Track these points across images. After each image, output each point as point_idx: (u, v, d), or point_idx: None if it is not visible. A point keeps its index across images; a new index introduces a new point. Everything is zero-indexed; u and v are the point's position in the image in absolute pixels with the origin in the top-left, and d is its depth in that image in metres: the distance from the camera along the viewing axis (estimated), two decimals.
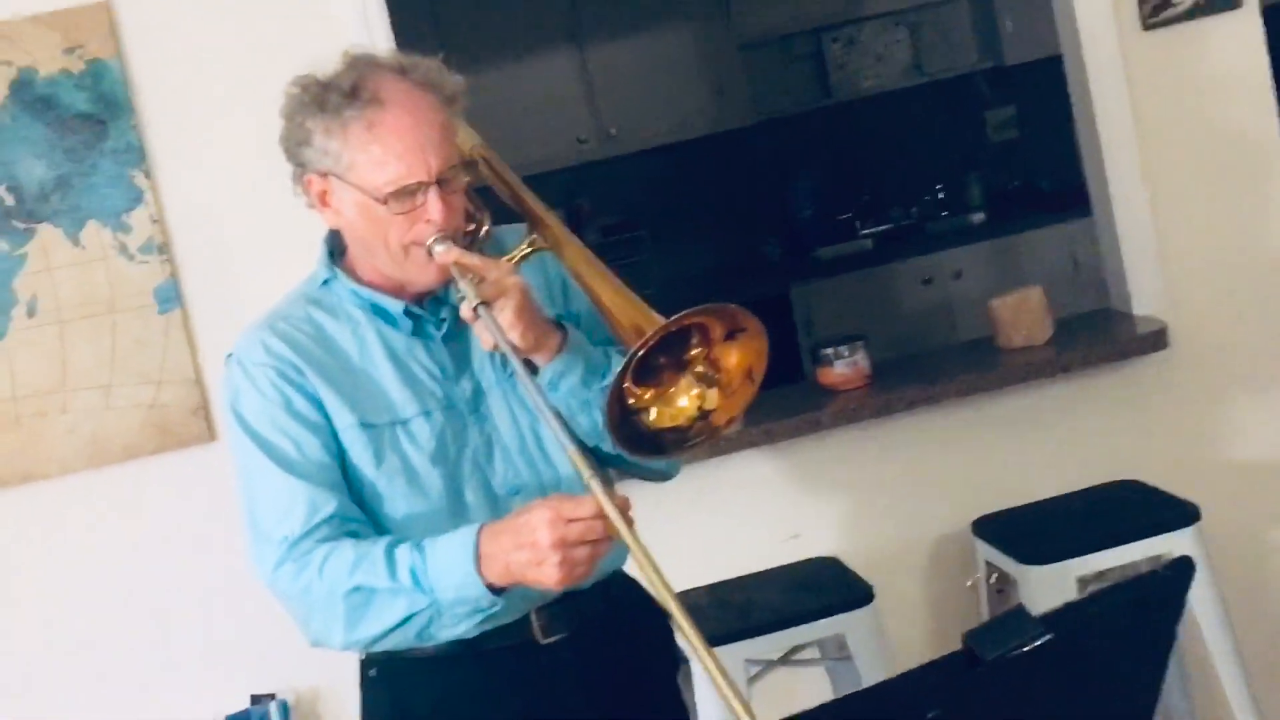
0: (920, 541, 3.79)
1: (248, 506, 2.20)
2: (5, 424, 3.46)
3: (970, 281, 6.36)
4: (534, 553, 1.96)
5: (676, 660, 2.46)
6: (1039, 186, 6.80)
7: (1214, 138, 3.85)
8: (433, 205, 2.13)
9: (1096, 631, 1.56)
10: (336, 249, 2.31)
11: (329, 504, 2.14)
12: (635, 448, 2.10)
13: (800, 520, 3.73)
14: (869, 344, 3.82)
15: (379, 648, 2.17)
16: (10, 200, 3.45)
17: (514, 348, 2.07)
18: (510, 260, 2.21)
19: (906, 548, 3.77)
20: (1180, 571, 1.59)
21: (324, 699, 3.57)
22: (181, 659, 3.55)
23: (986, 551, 3.57)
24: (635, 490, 2.64)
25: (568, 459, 1.93)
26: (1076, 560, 3.31)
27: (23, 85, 3.45)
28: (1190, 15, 3.78)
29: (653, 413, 2.10)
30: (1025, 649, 1.45)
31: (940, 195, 6.91)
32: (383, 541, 2.10)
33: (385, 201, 2.13)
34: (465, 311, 2.11)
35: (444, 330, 2.25)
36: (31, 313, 3.46)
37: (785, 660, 3.51)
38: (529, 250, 2.25)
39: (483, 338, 2.12)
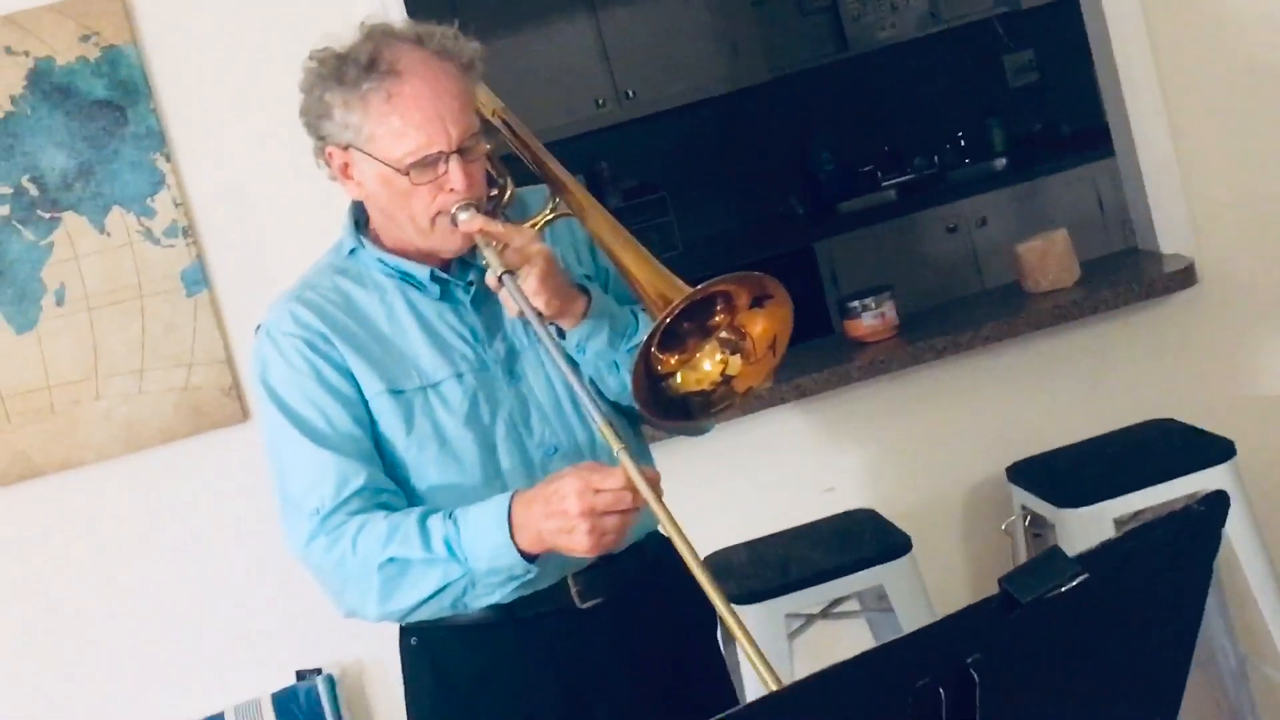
0: (955, 489, 3.79)
1: (278, 479, 2.21)
2: (40, 412, 3.48)
3: (995, 228, 6.35)
4: (563, 521, 1.98)
5: (715, 618, 2.47)
6: (1060, 129, 6.77)
7: (1235, 71, 3.82)
8: (455, 174, 2.13)
9: (1133, 569, 1.55)
10: (361, 218, 2.31)
11: (359, 476, 2.15)
12: (662, 413, 2.11)
13: (835, 474, 3.73)
14: (896, 295, 3.81)
15: (414, 618, 2.18)
16: (34, 190, 3.46)
17: (538, 314, 2.08)
18: (533, 226, 2.21)
19: (942, 496, 3.78)
20: (1215, 506, 1.58)
21: (369, 671, 3.60)
22: (225, 638, 3.57)
23: (1022, 496, 3.57)
24: (671, 447, 2.67)
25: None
26: (1112, 501, 3.31)
27: (41, 75, 3.46)
28: None
29: (678, 377, 2.11)
30: (1062, 589, 1.45)
31: (962, 143, 6.89)
32: (415, 512, 2.11)
33: (407, 172, 2.13)
34: (490, 280, 2.12)
35: (472, 293, 2.25)
36: (60, 301, 3.47)
37: (826, 614, 3.52)
38: (552, 216, 2.25)
39: (508, 305, 2.13)
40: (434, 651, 2.30)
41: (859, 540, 3.39)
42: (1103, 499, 3.31)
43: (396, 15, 3.43)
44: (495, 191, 2.27)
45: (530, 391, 2.25)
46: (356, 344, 2.21)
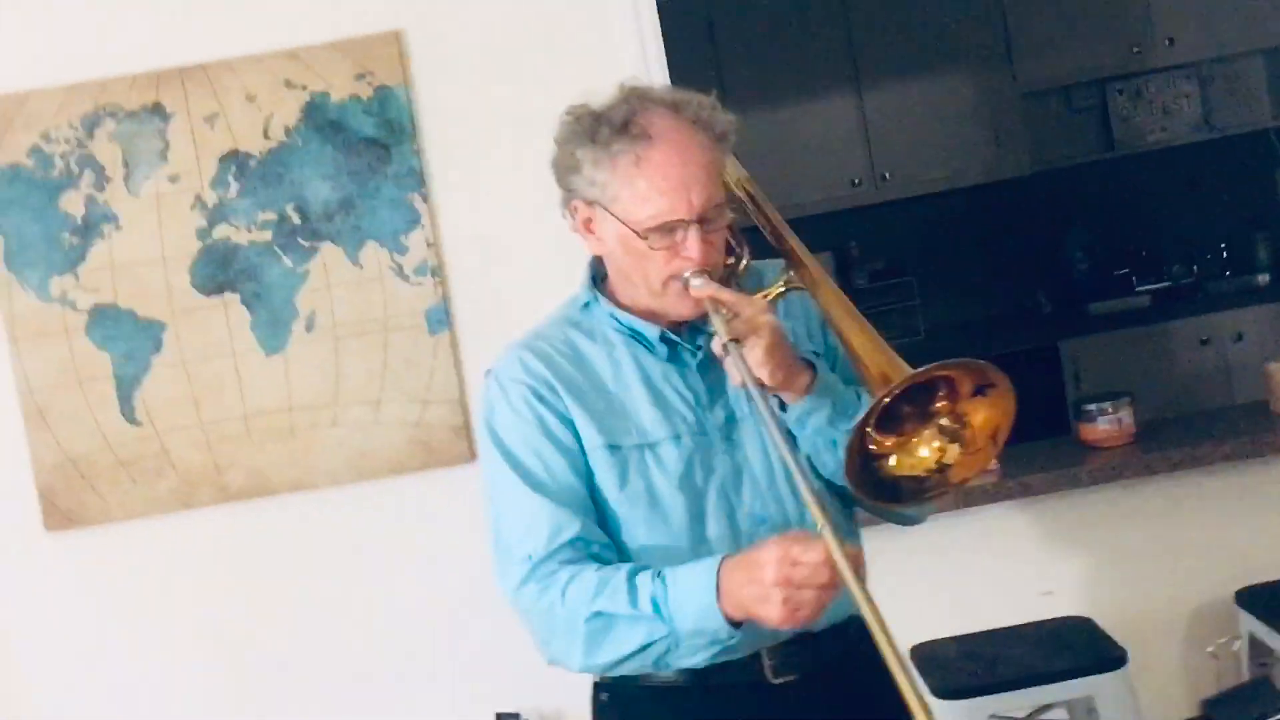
0: (1178, 607, 3.68)
1: (495, 521, 2.25)
2: (281, 433, 3.60)
3: (1251, 344, 6.15)
4: (760, 588, 1.98)
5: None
6: None
7: None
8: (692, 243, 2.16)
9: None
10: (599, 274, 2.35)
11: (573, 525, 2.18)
12: (872, 493, 2.10)
13: (1054, 577, 3.66)
14: (1136, 402, 3.73)
15: (615, 672, 2.20)
16: (297, 219, 3.59)
17: (760, 385, 2.09)
18: (765, 297, 2.22)
19: (1163, 613, 3.67)
20: None
21: (566, 718, 3.62)
22: (430, 674, 3.64)
23: (1249, 623, 3.45)
24: (886, 532, 2.64)
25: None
26: None
27: (315, 109, 3.60)
28: None
29: (892, 460, 2.10)
30: None
31: (1224, 254, 6.71)
32: (625, 568, 2.13)
33: (646, 236, 2.16)
34: (715, 347, 2.13)
35: (700, 357, 2.27)
36: (310, 328, 3.60)
37: (1030, 719, 3.44)
38: (784, 289, 2.26)
39: (731, 374, 2.14)
40: (624, 710, 2.31)
41: (1073, 648, 3.32)
42: None
43: (660, 78, 3.49)
44: (731, 260, 2.29)
45: (745, 461, 2.25)
46: (581, 396, 2.24)
